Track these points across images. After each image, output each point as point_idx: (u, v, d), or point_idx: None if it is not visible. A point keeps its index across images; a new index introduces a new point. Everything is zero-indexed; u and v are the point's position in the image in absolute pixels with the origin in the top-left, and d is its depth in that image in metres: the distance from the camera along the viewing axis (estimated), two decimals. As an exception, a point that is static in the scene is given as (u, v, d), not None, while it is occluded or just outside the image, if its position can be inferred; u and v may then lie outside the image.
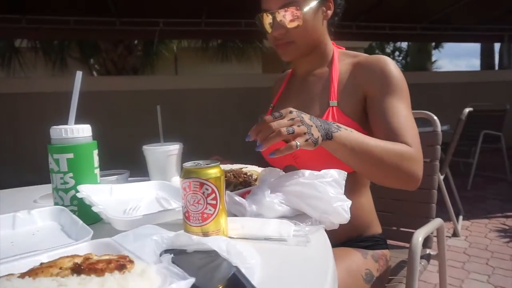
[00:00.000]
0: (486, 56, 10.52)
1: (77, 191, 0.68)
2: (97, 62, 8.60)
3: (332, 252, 0.56)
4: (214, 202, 0.56)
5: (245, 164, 0.95)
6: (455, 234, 2.75)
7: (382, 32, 5.61)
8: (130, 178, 1.10)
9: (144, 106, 3.28)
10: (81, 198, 0.67)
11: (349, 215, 0.67)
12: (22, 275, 0.39)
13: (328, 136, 0.76)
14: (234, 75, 7.43)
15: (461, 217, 3.04)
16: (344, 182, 0.72)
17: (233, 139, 4.35)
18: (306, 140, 0.71)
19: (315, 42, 1.00)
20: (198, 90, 5.24)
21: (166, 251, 0.50)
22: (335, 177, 0.70)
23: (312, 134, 0.73)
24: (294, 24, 0.93)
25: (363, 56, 0.99)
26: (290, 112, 0.74)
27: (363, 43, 11.74)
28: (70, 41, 8.06)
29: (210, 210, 0.56)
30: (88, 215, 0.68)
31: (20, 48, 7.97)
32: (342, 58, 1.02)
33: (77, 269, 0.39)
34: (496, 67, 10.33)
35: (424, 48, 10.37)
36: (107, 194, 0.74)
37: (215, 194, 0.55)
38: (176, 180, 0.90)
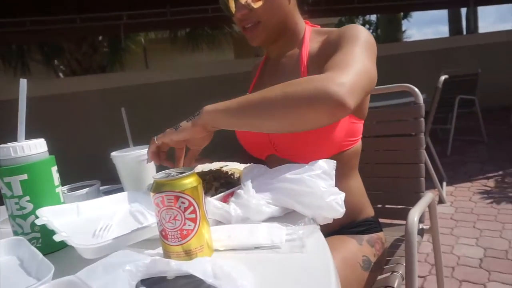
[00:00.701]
0: (454, 22, 10.66)
1: (37, 217, 0.60)
2: (62, 63, 8.23)
3: (331, 257, 0.50)
4: (193, 215, 0.48)
5: (226, 161, 0.87)
6: (440, 201, 2.78)
7: (351, 6, 5.56)
8: (102, 187, 1.01)
9: (115, 105, 3.13)
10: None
11: (344, 209, 0.61)
12: None
13: (195, 115, 0.74)
14: (206, 63, 7.25)
15: (444, 184, 3.09)
16: (334, 172, 0.66)
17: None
18: (163, 133, 0.75)
19: (282, 21, 0.93)
20: (170, 82, 5.07)
21: (143, 281, 0.43)
22: (324, 168, 0.64)
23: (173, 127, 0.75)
24: (257, 3, 0.87)
25: (335, 30, 0.93)
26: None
27: (332, 19, 11.69)
28: (29, 43, 7.65)
29: (189, 225, 0.48)
30: (54, 241, 0.59)
31: (-25, 56, 7.54)
32: (314, 37, 0.96)
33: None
34: (464, 32, 10.49)
35: (394, 19, 10.36)
36: (74, 215, 0.65)
37: (193, 206, 0.48)
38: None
